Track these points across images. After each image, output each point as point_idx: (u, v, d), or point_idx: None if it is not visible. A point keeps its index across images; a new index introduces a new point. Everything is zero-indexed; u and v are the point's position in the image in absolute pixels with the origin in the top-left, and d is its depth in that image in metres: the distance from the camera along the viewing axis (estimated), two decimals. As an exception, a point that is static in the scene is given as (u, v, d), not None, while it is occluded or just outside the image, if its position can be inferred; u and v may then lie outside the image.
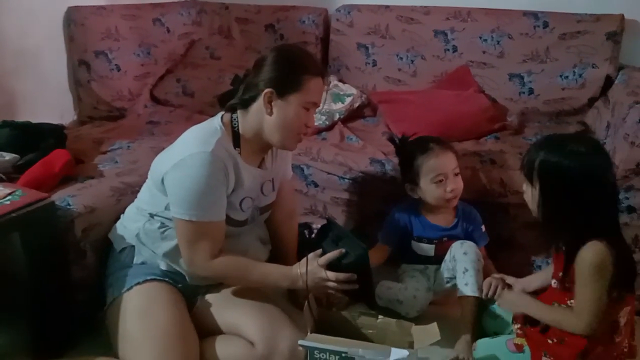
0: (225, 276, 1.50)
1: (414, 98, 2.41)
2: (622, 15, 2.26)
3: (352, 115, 2.48)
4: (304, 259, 1.44)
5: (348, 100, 2.48)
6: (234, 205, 1.49)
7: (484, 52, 2.44)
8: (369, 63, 2.67)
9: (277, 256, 1.71)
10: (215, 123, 1.48)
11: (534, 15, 2.36)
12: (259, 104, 1.45)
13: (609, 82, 2.25)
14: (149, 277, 1.51)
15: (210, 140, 1.42)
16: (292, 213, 1.76)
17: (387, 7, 2.61)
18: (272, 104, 1.43)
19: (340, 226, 1.69)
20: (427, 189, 1.84)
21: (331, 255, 1.43)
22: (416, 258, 1.93)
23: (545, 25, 2.34)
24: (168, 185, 1.44)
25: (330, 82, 2.60)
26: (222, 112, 1.52)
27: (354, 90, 2.54)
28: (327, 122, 2.38)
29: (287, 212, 1.73)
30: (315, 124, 2.35)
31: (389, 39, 2.61)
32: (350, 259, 1.43)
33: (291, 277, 1.45)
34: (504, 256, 1.97)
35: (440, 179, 1.81)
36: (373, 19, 2.63)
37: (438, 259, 1.88)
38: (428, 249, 1.91)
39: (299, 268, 1.44)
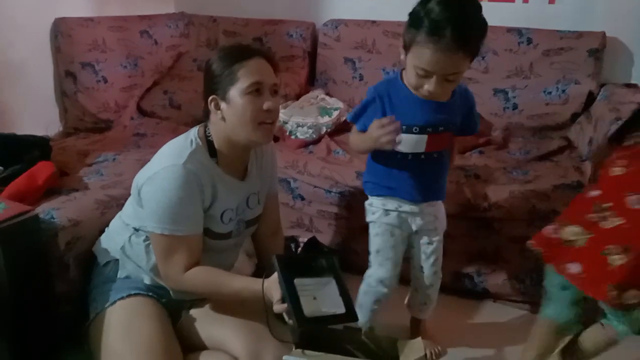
0: (198, 290, 1.47)
1: (400, 112, 2.43)
2: (604, 33, 2.31)
3: (339, 129, 2.49)
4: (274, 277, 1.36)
5: (335, 113, 2.49)
6: (215, 218, 1.48)
7: (469, 68, 2.46)
8: (355, 77, 2.69)
9: (263, 270, 1.70)
10: (190, 135, 1.48)
11: (518, 31, 2.40)
12: (213, 114, 1.44)
13: (591, 98, 2.29)
14: (132, 292, 1.50)
15: (183, 153, 1.41)
16: (277, 227, 1.75)
17: (373, 22, 2.65)
18: (221, 109, 1.42)
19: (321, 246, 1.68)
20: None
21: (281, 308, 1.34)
22: (393, 170, 1.59)
23: (529, 41, 2.38)
24: (143, 199, 1.44)
25: (318, 95, 2.63)
26: (199, 125, 1.52)
27: (340, 104, 2.56)
28: (314, 136, 2.39)
29: (273, 226, 1.72)
30: (302, 137, 2.37)
31: (375, 54, 2.63)
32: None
33: (258, 294, 1.38)
34: (488, 270, 1.98)
35: None
36: (360, 34, 2.66)
37: (425, 171, 1.59)
38: (418, 141, 1.53)
39: (264, 285, 1.37)
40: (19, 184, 1.70)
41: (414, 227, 1.65)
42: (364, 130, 1.54)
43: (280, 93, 1.49)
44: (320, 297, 1.36)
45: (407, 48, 1.42)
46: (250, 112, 1.39)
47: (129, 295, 1.49)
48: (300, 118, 2.42)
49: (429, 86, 1.43)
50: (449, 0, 1.36)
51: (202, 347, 1.49)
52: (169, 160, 1.41)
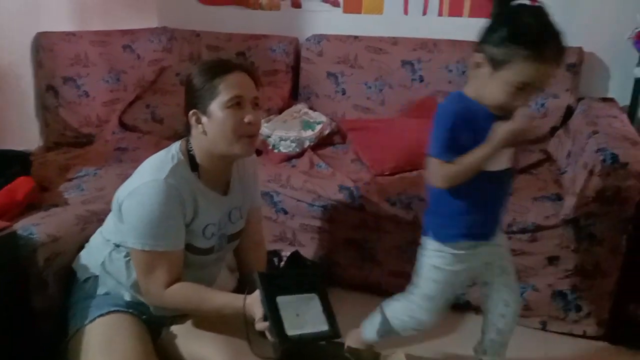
0: (179, 307, 1.46)
1: (382, 126, 2.45)
2: (581, 48, 2.36)
3: (321, 143, 2.50)
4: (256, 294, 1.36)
5: (318, 127, 2.50)
6: (197, 233, 1.48)
7: (449, 82, 2.50)
8: (338, 91, 2.71)
9: (245, 284, 1.69)
10: (172, 150, 1.47)
11: (497, 46, 2.43)
12: (195, 128, 1.45)
13: (569, 112, 2.33)
14: (112, 309, 1.48)
15: (165, 167, 1.41)
16: (260, 241, 1.75)
17: (355, 37, 2.67)
18: (202, 123, 1.42)
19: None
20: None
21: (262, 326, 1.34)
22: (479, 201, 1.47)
23: (509, 56, 2.41)
24: (124, 214, 1.43)
25: (301, 108, 2.64)
26: (181, 140, 1.52)
27: (323, 118, 2.57)
28: (297, 149, 2.40)
29: (255, 240, 1.72)
30: (285, 151, 2.38)
31: (357, 68, 2.66)
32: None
33: (240, 311, 1.37)
34: (469, 283, 1.99)
35: None
36: (342, 49, 2.69)
37: (503, 191, 1.53)
38: (504, 155, 1.43)
39: (246, 302, 1.37)
40: (-2, 199, 1.69)
41: (490, 265, 1.57)
42: (450, 160, 1.38)
43: (262, 107, 1.49)
44: (303, 314, 1.35)
45: (499, 64, 1.32)
46: (231, 126, 1.39)
47: (109, 312, 1.47)
48: (283, 132, 2.43)
49: (521, 100, 1.35)
50: (540, 12, 1.34)
51: (183, 363, 1.47)
52: (150, 175, 1.41)
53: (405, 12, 2.68)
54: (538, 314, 1.96)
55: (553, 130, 2.35)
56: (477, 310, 2.04)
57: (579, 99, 2.36)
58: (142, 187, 1.39)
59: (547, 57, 1.31)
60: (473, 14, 2.57)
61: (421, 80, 2.55)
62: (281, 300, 1.33)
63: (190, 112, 1.43)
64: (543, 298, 1.93)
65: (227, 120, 1.39)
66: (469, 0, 2.57)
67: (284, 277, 1.48)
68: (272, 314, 1.31)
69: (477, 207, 1.45)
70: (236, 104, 1.40)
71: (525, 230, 1.89)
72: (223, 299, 1.42)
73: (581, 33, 2.37)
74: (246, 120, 1.40)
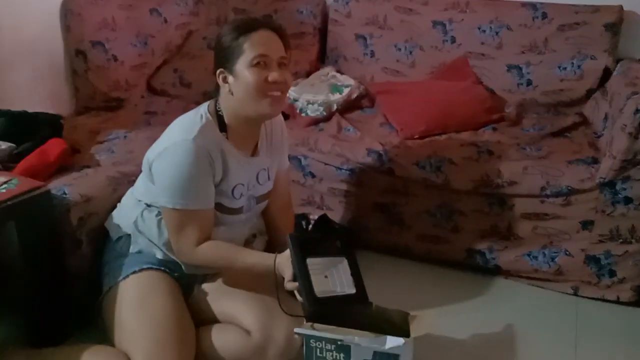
0: (210, 264, 1.49)
1: (412, 89, 2.40)
2: (621, 7, 2.26)
3: (349, 106, 2.47)
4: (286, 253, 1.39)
5: (346, 91, 2.47)
6: (226, 193, 1.48)
7: (482, 43, 2.43)
8: (367, 54, 2.66)
9: (274, 246, 1.70)
10: (201, 111, 1.47)
11: (533, 6, 2.35)
12: (222, 88, 1.44)
13: (607, 73, 2.25)
14: (145, 266, 1.51)
15: (194, 128, 1.41)
16: (288, 204, 1.75)
17: (385, -3, 2.61)
18: (228, 82, 1.42)
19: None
20: None
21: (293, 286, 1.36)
22: None
23: (544, 16, 2.33)
24: (154, 174, 1.45)
25: (328, 72, 2.61)
26: (209, 100, 1.51)
27: (351, 81, 2.54)
28: (325, 113, 2.37)
29: (283, 202, 1.72)
30: (312, 114, 2.35)
31: (387, 30, 2.60)
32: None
33: (270, 270, 1.41)
34: (500, 247, 1.97)
35: None
36: (371, 10, 2.62)
37: None
38: None
39: (277, 261, 1.40)
40: (31, 160, 1.71)
41: None
42: None
43: (290, 67, 1.47)
44: (332, 276, 1.38)
45: None
46: (254, 84, 1.38)
47: (142, 270, 1.50)
48: (311, 95, 2.40)
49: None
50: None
51: (214, 320, 1.50)
52: (180, 135, 1.41)
53: (437, -29, 2.60)
54: (570, 278, 1.93)
55: (589, 93, 2.27)
56: (506, 274, 2.03)
57: (618, 60, 2.27)
58: (172, 147, 1.40)
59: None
60: (508, -29, 2.48)
61: (453, 42, 2.48)
62: (311, 262, 1.35)
63: (218, 71, 1.43)
64: (576, 263, 1.89)
65: (251, 79, 1.38)
66: (503, -43, 2.47)
67: (315, 240, 1.50)
68: (302, 274, 1.32)
69: None
70: (262, 62, 1.38)
71: (559, 194, 1.85)
72: (254, 257, 1.44)
73: (621, -10, 2.27)
74: (270, 78, 1.39)
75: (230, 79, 1.41)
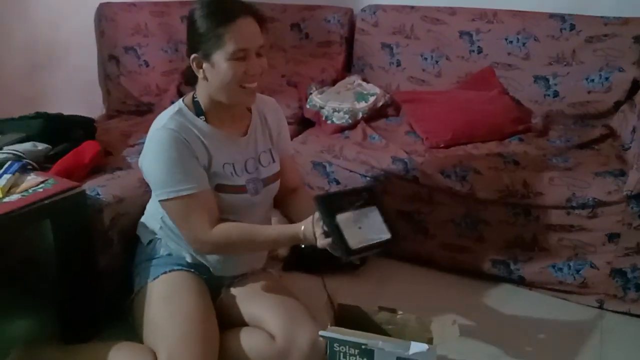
0: (231, 242, 1.44)
1: (438, 98, 2.42)
2: (650, 18, 2.25)
3: (375, 115, 2.49)
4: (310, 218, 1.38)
5: (371, 99, 2.49)
6: (219, 173, 1.48)
7: (509, 54, 2.43)
8: (393, 63, 2.68)
9: None
10: (176, 103, 1.50)
11: (561, 17, 2.35)
12: (197, 73, 1.44)
13: (635, 86, 2.24)
14: (175, 267, 1.54)
15: (164, 117, 1.45)
16: (298, 186, 1.73)
17: (412, 7, 2.63)
18: (203, 68, 1.41)
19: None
20: None
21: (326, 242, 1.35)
22: None
23: (572, 27, 2.33)
24: (144, 175, 1.50)
25: (354, 80, 2.63)
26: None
27: (377, 90, 2.56)
28: (350, 121, 2.39)
29: (292, 186, 1.70)
30: (338, 122, 2.38)
31: (413, 39, 2.62)
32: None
33: (296, 237, 1.39)
34: (525, 258, 1.97)
35: None
36: (398, 19, 2.65)
37: None
38: None
39: (302, 228, 1.38)
40: (67, 161, 1.76)
41: None
42: None
43: (266, 53, 1.45)
44: (365, 226, 1.37)
45: None
46: (233, 77, 1.39)
47: (172, 270, 1.53)
48: (337, 103, 2.43)
49: None
50: None
51: (240, 323, 1.52)
52: (152, 129, 1.46)
53: (464, -18, 2.62)
54: (595, 291, 1.91)
55: (617, 105, 2.26)
56: (530, 285, 2.02)
57: (647, 73, 2.26)
58: (148, 142, 1.45)
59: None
60: (536, -17, 2.48)
61: (479, 52, 2.49)
62: (341, 217, 1.34)
63: (192, 57, 1.42)
64: (601, 276, 1.88)
65: (230, 73, 1.38)
66: (531, -32, 2.48)
67: (340, 196, 1.51)
68: (333, 231, 1.32)
69: None
70: (242, 56, 1.38)
71: (585, 206, 1.84)
72: (277, 229, 1.45)
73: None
74: (250, 72, 1.40)
75: (205, 65, 1.41)
